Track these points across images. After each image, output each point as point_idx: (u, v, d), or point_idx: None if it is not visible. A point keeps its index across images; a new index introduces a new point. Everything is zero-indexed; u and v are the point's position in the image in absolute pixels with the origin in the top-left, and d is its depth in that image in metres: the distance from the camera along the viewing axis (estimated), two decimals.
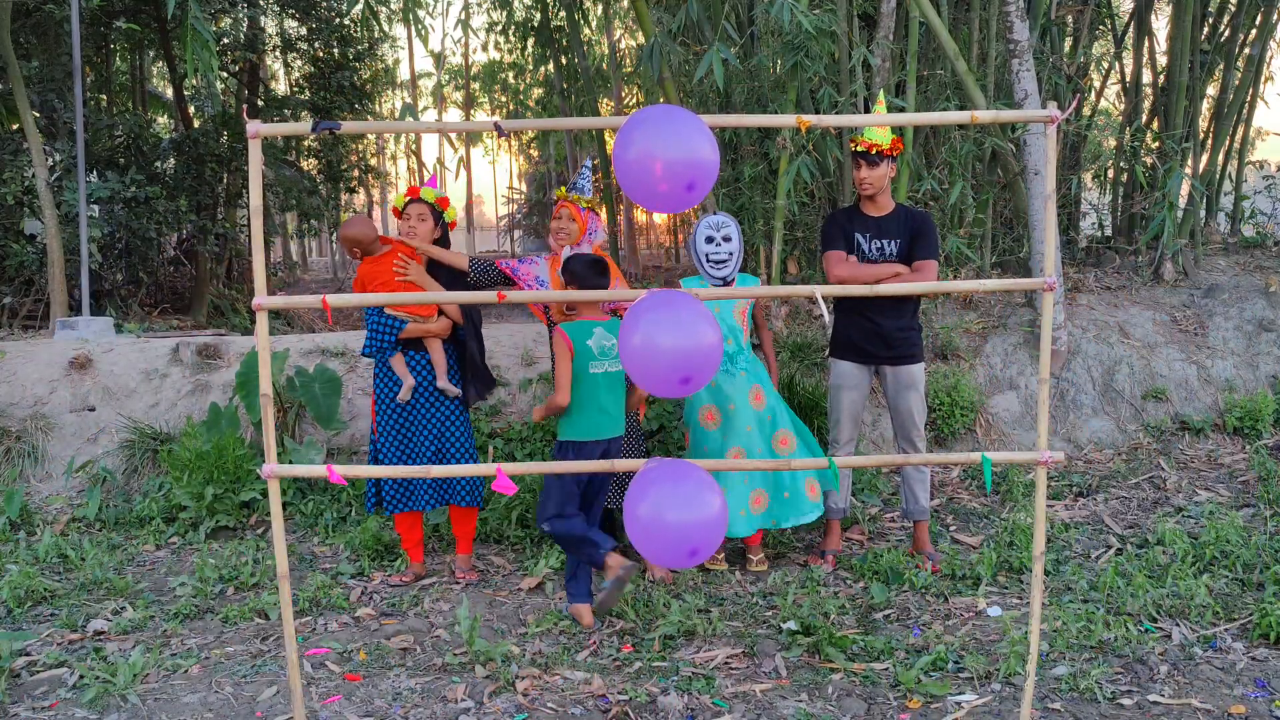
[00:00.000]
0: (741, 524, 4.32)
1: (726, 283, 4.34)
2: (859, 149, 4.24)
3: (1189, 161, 7.31)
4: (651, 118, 2.20)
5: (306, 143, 13.88)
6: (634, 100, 17.66)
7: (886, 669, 3.32)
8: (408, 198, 4.37)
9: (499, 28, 17.82)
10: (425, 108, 27.18)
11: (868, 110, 5.92)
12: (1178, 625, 3.60)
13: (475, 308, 4.54)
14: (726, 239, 4.33)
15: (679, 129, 2.17)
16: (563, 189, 4.44)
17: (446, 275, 4.34)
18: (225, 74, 13.44)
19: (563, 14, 12.15)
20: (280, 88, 17.25)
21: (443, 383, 4.29)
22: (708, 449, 4.40)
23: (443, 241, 4.39)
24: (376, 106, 18.30)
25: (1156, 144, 7.17)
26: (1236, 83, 7.42)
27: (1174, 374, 6.22)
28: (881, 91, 4.81)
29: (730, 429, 4.35)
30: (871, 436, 5.89)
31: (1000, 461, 2.85)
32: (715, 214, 4.44)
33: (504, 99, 23.90)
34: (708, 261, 4.35)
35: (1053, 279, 2.51)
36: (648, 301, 2.27)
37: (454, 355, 4.41)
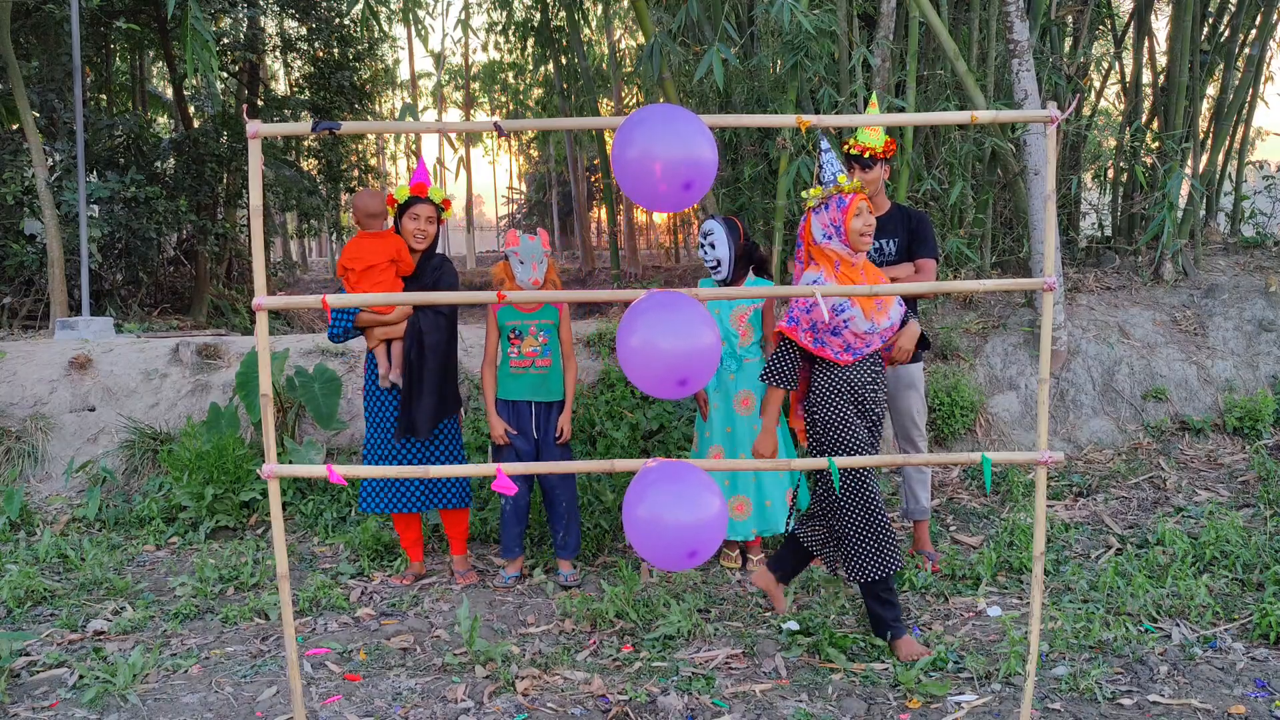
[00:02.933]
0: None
1: (726, 283, 4.35)
2: (853, 153, 4.24)
3: (1189, 161, 7.29)
4: (650, 117, 2.19)
5: (306, 143, 13.90)
6: (634, 100, 17.65)
7: (886, 669, 3.32)
8: (413, 194, 4.22)
9: (499, 28, 17.84)
10: (425, 108, 27.16)
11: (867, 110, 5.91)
12: (1178, 625, 3.60)
13: (453, 328, 4.33)
14: (713, 245, 4.35)
15: (678, 128, 2.16)
16: (843, 179, 3.36)
17: (431, 275, 4.28)
18: (225, 74, 13.45)
19: (563, 14, 12.16)
20: (280, 88, 17.26)
21: (387, 374, 4.20)
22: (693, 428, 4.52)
23: (434, 241, 4.37)
24: (376, 106, 18.30)
25: (1156, 144, 7.16)
26: (1236, 83, 7.41)
27: (1174, 374, 6.22)
28: (874, 94, 4.82)
29: (711, 426, 4.42)
30: None
31: (1000, 461, 2.84)
32: (713, 217, 4.43)
33: (504, 99, 23.90)
34: (706, 264, 4.43)
35: (1052, 279, 2.51)
36: (646, 302, 2.27)
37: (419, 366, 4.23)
